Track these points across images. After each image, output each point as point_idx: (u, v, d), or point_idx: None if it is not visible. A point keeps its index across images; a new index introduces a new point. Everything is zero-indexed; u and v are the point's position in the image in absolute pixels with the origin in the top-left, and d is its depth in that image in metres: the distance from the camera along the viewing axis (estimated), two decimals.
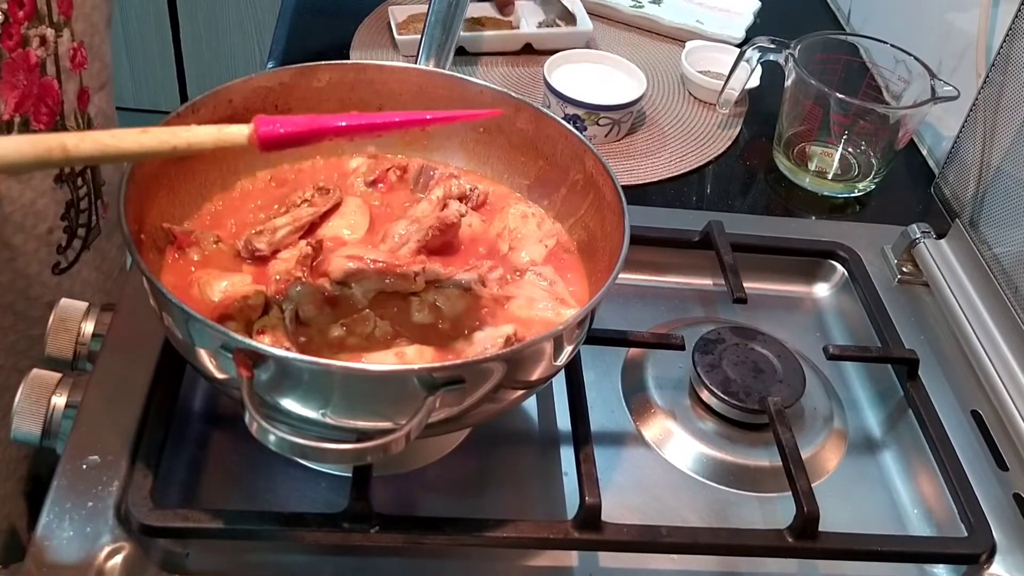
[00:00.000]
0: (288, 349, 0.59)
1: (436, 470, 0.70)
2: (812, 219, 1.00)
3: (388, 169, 0.76)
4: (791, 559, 0.68)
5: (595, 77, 1.07)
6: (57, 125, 0.84)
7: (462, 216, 0.72)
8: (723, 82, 1.06)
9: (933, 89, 0.95)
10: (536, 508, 0.69)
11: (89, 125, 0.89)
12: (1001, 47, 0.91)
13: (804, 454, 0.70)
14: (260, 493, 0.67)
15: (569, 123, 0.74)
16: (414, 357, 0.61)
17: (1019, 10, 0.88)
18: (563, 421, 0.72)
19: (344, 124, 0.56)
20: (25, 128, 0.81)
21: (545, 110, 0.74)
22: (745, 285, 0.80)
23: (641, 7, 1.27)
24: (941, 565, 0.69)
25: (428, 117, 0.63)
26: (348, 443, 0.53)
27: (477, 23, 1.17)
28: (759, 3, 1.28)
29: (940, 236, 0.92)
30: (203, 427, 0.71)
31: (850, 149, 1.04)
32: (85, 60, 0.86)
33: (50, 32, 0.80)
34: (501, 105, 0.75)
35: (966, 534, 0.68)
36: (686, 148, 1.06)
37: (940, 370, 0.83)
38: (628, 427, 0.76)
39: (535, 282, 0.69)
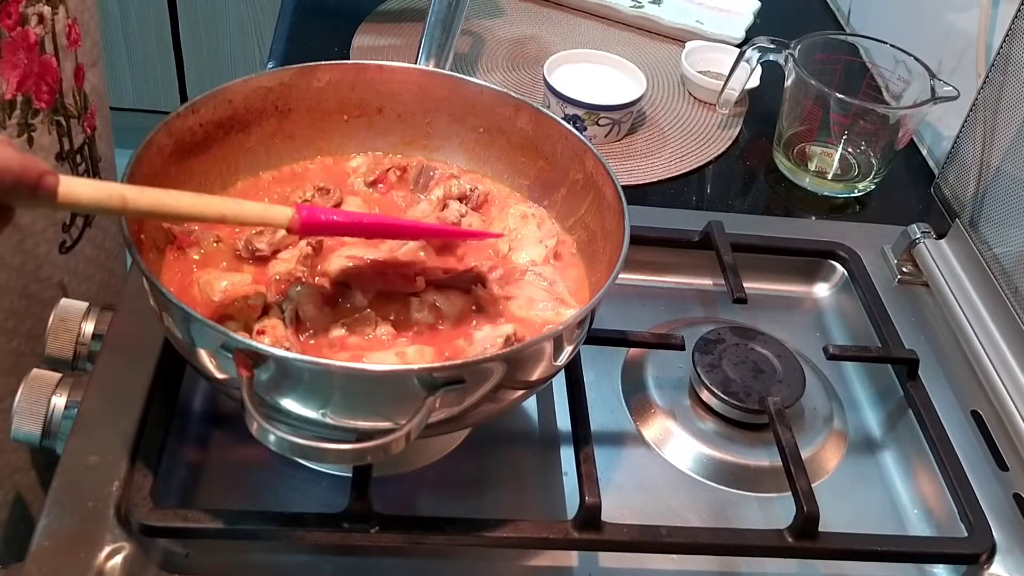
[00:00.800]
0: (288, 349, 0.59)
1: (436, 470, 0.70)
2: (812, 219, 1.00)
3: (388, 169, 0.76)
4: (791, 559, 0.67)
5: (595, 77, 1.07)
6: (56, 103, 0.85)
7: (462, 217, 0.72)
8: (723, 82, 1.06)
9: (933, 89, 0.95)
10: (536, 508, 0.69)
11: (85, 102, 0.89)
12: (1001, 47, 0.91)
13: (804, 454, 0.70)
14: (260, 493, 0.67)
15: (569, 123, 0.74)
16: (414, 357, 0.61)
17: (1019, 10, 0.88)
18: (563, 421, 0.72)
19: (374, 223, 0.65)
20: (27, 106, 0.81)
21: (545, 110, 0.74)
22: (745, 285, 0.80)
23: (641, 7, 1.27)
24: (941, 565, 0.69)
25: (447, 230, 0.70)
26: (348, 443, 0.53)
27: None
28: (759, 3, 1.28)
29: (940, 236, 0.92)
30: (203, 427, 0.71)
31: (850, 149, 1.04)
32: (79, 37, 0.86)
33: (47, 10, 0.80)
34: (501, 105, 0.75)
35: (966, 534, 0.68)
36: (686, 148, 1.06)
37: (940, 370, 0.83)
38: (628, 427, 0.76)
39: (535, 282, 0.69)
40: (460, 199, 0.74)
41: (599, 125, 1.03)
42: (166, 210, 0.56)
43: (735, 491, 0.72)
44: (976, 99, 0.95)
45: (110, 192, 0.53)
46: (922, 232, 0.92)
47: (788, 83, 1.01)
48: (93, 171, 0.94)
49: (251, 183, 0.73)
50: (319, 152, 0.77)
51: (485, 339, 0.62)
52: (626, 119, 1.04)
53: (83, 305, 0.76)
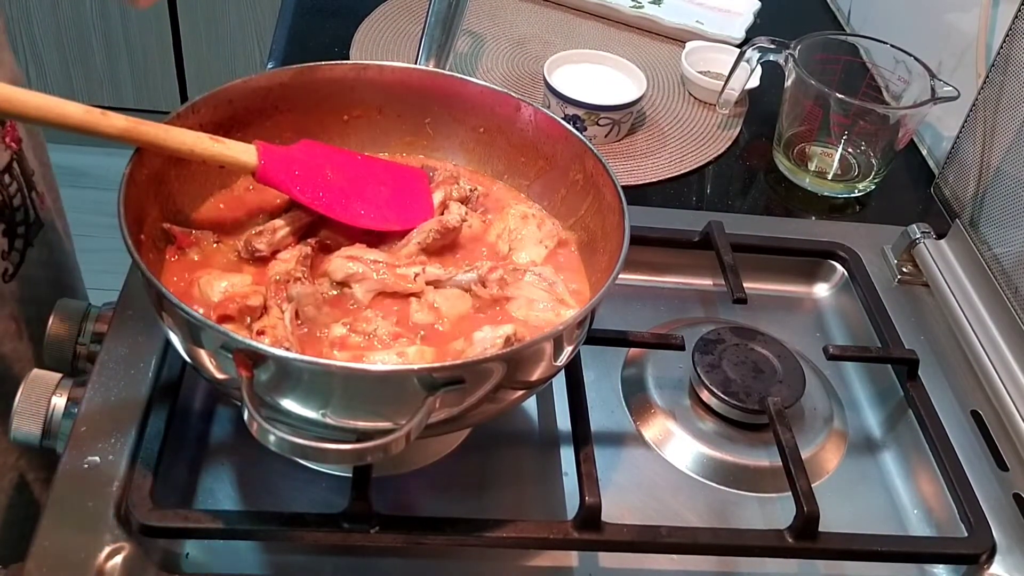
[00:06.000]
0: (288, 349, 0.59)
1: (436, 470, 0.70)
2: (812, 219, 1.00)
3: None
4: (791, 559, 0.68)
5: (595, 77, 1.07)
6: None
7: (463, 221, 0.72)
8: (723, 82, 1.06)
9: (933, 89, 0.95)
10: (536, 508, 0.69)
11: None
12: (1001, 47, 0.91)
13: (804, 454, 0.70)
14: (260, 493, 0.67)
15: (569, 123, 0.74)
16: (414, 357, 0.61)
17: (1019, 10, 0.88)
18: (563, 421, 0.72)
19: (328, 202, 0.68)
20: None
21: (545, 110, 0.74)
22: (745, 285, 0.80)
23: (641, 7, 1.27)
24: (941, 565, 0.69)
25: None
26: (348, 443, 0.53)
27: None
28: (759, 3, 1.28)
29: (940, 236, 0.92)
30: (203, 427, 0.71)
31: (850, 149, 1.04)
32: None
33: None
34: (501, 105, 0.75)
35: (966, 534, 0.68)
36: (686, 148, 1.06)
37: (940, 370, 0.83)
38: (628, 427, 0.76)
39: (535, 282, 0.69)
40: (462, 201, 0.74)
41: (599, 125, 1.03)
42: (135, 136, 0.60)
43: (735, 491, 0.72)
44: (976, 99, 0.95)
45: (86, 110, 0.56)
46: (922, 232, 0.92)
47: (788, 83, 1.01)
48: (28, 187, 0.87)
49: (251, 183, 0.73)
50: None
51: (485, 339, 0.62)
52: (626, 119, 1.04)
53: (83, 305, 0.76)
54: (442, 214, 0.72)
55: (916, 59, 0.99)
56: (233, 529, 0.61)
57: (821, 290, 0.92)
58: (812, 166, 1.03)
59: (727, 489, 0.72)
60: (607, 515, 0.63)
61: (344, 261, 0.66)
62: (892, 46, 1.01)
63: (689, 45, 1.17)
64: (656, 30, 1.25)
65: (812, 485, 0.66)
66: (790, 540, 0.65)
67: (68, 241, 1.00)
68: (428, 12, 0.95)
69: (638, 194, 0.99)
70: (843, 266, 0.90)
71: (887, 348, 0.80)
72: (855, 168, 1.03)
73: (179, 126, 0.65)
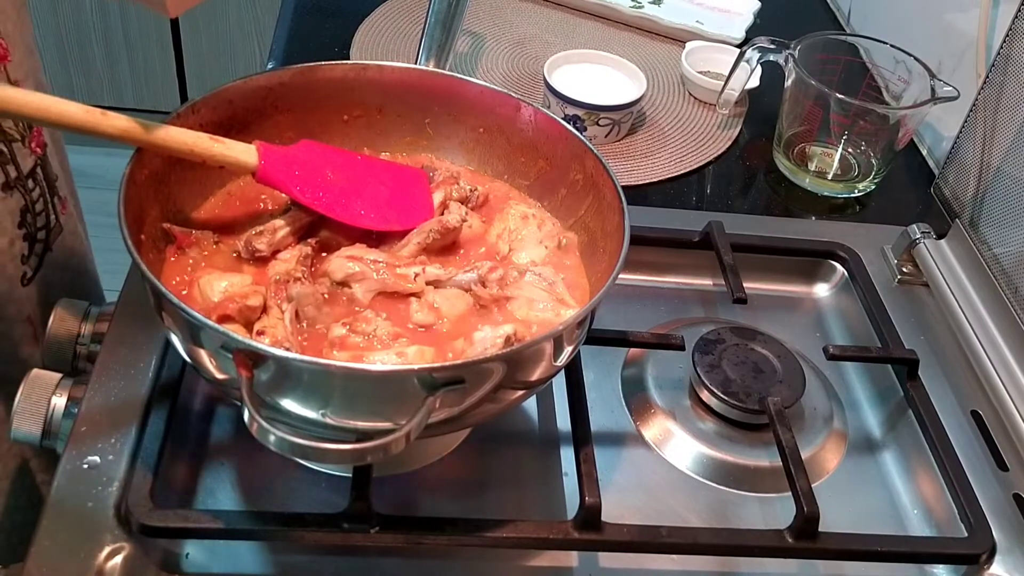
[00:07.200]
0: (288, 349, 0.59)
1: (436, 470, 0.70)
2: (812, 219, 1.00)
3: None
4: (791, 559, 0.68)
5: (595, 77, 1.07)
6: None
7: (463, 221, 0.72)
8: (723, 82, 1.06)
9: (933, 89, 0.95)
10: (536, 508, 0.69)
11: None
12: (1001, 47, 0.91)
13: (804, 454, 0.70)
14: (260, 493, 0.67)
15: (569, 123, 0.74)
16: (414, 357, 0.61)
17: (1019, 10, 0.88)
18: (563, 421, 0.72)
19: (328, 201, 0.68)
20: None
21: (545, 110, 0.74)
22: (745, 285, 0.80)
23: (641, 7, 1.27)
24: (941, 565, 0.69)
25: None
26: (348, 443, 0.53)
27: None
28: (759, 3, 1.28)
29: (940, 236, 0.92)
30: (203, 427, 0.71)
31: (850, 149, 1.04)
32: (7, 51, 0.79)
33: None
34: (501, 105, 0.75)
35: (966, 534, 0.68)
36: (686, 148, 1.06)
37: (940, 370, 0.83)
38: (628, 427, 0.76)
39: (535, 282, 0.69)
40: (462, 201, 0.74)
41: (599, 125, 1.03)
42: (135, 136, 0.61)
43: (735, 491, 0.72)
44: (976, 99, 0.95)
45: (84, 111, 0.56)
46: (922, 232, 0.92)
47: (788, 83, 1.01)
48: (51, 192, 0.87)
49: (250, 183, 0.73)
50: None
51: (485, 339, 0.62)
52: (626, 119, 1.04)
53: (83, 304, 0.76)
54: (442, 214, 0.72)
55: (916, 59, 0.99)
56: (233, 529, 0.61)
57: (821, 290, 0.92)
58: (812, 166, 1.03)
59: (727, 489, 0.72)
60: (607, 515, 0.63)
61: (344, 261, 0.66)
62: (892, 46, 1.01)
63: (689, 45, 1.17)
64: (656, 30, 1.25)
65: (812, 485, 0.66)
66: (790, 540, 0.65)
67: (87, 245, 1.00)
68: (428, 12, 0.95)
69: (638, 194, 0.99)
70: (843, 266, 0.90)
71: (887, 348, 0.80)
72: (855, 168, 1.03)
73: (179, 126, 0.65)
